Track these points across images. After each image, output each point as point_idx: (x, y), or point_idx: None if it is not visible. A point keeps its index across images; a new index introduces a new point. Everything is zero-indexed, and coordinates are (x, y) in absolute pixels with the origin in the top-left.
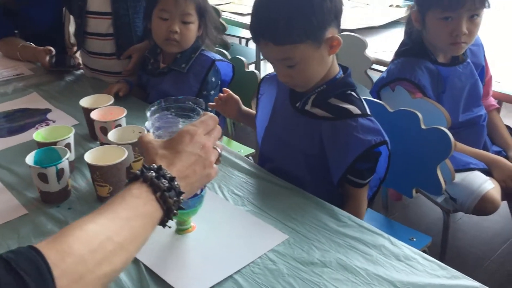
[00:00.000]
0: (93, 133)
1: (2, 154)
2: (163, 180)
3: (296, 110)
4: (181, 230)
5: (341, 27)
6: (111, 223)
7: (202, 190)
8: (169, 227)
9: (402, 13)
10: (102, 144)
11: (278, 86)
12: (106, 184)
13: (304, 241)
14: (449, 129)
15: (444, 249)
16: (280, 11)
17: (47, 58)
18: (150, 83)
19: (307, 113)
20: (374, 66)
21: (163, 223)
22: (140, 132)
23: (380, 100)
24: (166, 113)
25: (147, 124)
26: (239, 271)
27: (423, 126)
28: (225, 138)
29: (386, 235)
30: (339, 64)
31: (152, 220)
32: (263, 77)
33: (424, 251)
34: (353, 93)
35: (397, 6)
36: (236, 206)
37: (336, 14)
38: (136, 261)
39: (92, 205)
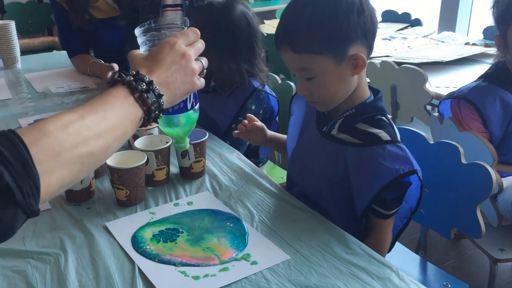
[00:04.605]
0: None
1: None
2: (141, 83)
3: (322, 135)
4: (178, 147)
5: (404, 61)
6: (87, 113)
7: (192, 107)
8: (150, 125)
9: (477, 50)
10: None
11: (306, 107)
12: (123, 187)
13: (305, 264)
14: None
15: None
16: (303, 17)
17: (110, 73)
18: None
19: (333, 139)
20: (435, 102)
21: (145, 123)
22: (167, 142)
23: (438, 110)
24: (156, 33)
25: (139, 41)
26: (229, 285)
27: (463, 161)
28: (269, 163)
29: (395, 268)
30: (370, 87)
31: (130, 117)
32: (293, 96)
33: None
34: (383, 117)
35: (474, 44)
36: (245, 222)
37: (364, 32)
38: (132, 263)
39: (110, 207)
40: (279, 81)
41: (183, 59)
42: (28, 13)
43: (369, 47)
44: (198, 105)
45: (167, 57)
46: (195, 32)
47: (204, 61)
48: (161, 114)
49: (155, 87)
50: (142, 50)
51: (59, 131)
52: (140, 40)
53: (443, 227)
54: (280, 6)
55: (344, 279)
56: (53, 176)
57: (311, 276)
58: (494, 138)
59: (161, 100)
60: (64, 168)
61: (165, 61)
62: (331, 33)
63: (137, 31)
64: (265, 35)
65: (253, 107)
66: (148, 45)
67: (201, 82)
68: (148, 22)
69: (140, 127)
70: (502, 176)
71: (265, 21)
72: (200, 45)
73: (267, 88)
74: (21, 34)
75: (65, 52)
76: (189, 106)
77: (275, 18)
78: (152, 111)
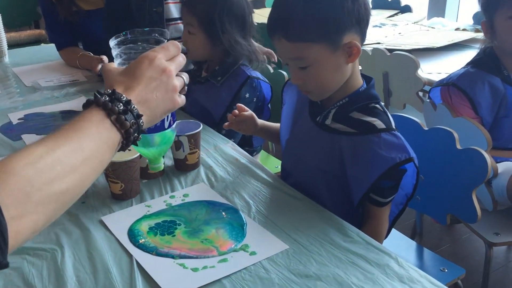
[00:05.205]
0: None
1: None
2: (118, 103)
3: (316, 125)
4: (153, 168)
5: (395, 48)
6: (59, 144)
7: (170, 125)
8: (129, 150)
9: (467, 35)
10: None
11: (298, 95)
12: (118, 181)
13: (303, 253)
14: None
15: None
16: (296, 5)
17: (99, 66)
18: (189, 90)
19: (327, 128)
20: (428, 88)
21: (124, 147)
22: None
23: (429, 97)
24: (132, 45)
25: (113, 54)
26: (229, 276)
27: (458, 146)
28: (263, 153)
29: (393, 254)
30: (363, 75)
31: (108, 143)
32: (284, 84)
33: (455, 284)
34: (377, 105)
35: (464, 29)
36: (243, 213)
37: (358, 19)
38: (129, 257)
39: (105, 201)
40: (271, 70)
41: (164, 75)
42: (14, 6)
43: (362, 35)
44: (175, 123)
45: (146, 72)
46: (175, 46)
47: (185, 76)
48: (140, 136)
49: (133, 106)
50: (116, 63)
51: (27, 169)
52: (114, 52)
53: (439, 213)
54: None
55: (344, 267)
56: (23, 222)
57: (310, 265)
58: (485, 123)
59: (141, 121)
60: (35, 211)
61: (144, 77)
62: (325, 21)
63: (112, 43)
64: (255, 24)
65: (247, 95)
66: (123, 57)
67: (182, 99)
68: (124, 33)
69: (118, 151)
70: (496, 162)
71: (254, 10)
72: (181, 59)
73: (259, 74)
74: (8, 27)
75: (53, 45)
76: (166, 124)
77: (265, 7)
78: (131, 133)
